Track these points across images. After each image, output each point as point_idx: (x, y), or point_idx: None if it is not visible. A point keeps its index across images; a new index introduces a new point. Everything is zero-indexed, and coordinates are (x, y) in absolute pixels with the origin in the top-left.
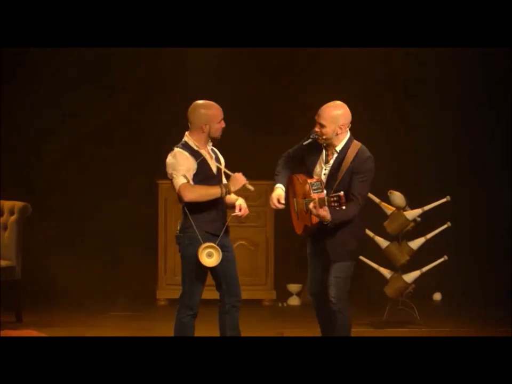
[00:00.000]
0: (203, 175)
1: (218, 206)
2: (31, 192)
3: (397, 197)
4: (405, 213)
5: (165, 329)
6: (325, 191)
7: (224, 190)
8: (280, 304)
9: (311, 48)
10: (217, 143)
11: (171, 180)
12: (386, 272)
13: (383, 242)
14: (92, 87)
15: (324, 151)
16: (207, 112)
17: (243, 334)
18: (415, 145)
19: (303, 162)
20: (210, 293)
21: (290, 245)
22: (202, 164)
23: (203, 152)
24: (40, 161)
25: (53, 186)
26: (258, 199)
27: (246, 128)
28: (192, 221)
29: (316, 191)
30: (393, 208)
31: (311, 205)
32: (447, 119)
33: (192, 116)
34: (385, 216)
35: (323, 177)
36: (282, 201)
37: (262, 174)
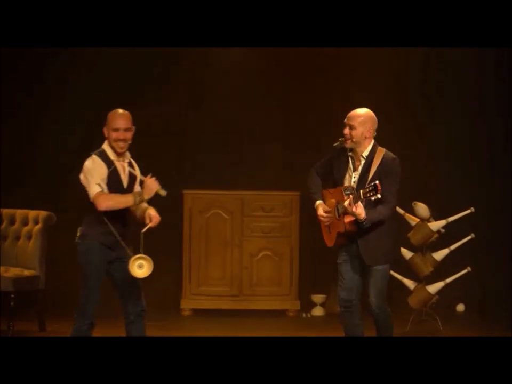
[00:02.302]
0: (113, 187)
1: (118, 219)
2: (55, 202)
3: (421, 208)
4: (429, 224)
5: (188, 334)
6: (357, 192)
7: (137, 198)
8: (304, 315)
9: (324, 62)
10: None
11: (85, 186)
12: (410, 283)
13: (407, 254)
14: (117, 102)
15: (350, 160)
16: (107, 116)
17: None
18: (439, 157)
19: (330, 174)
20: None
21: (315, 256)
22: (113, 175)
23: (117, 164)
24: (65, 172)
25: (77, 195)
26: (283, 209)
27: (273, 142)
28: (90, 231)
29: (348, 194)
30: (418, 220)
31: (346, 203)
32: (472, 128)
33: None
34: (409, 227)
35: (353, 185)
36: (327, 209)
37: (287, 185)
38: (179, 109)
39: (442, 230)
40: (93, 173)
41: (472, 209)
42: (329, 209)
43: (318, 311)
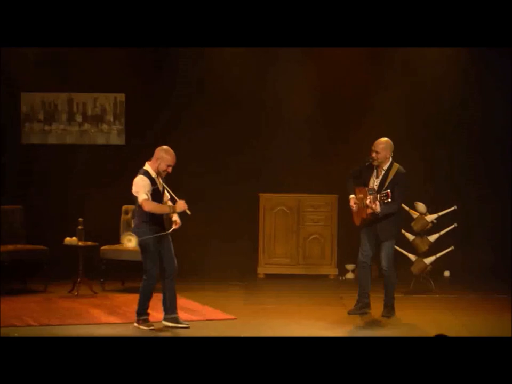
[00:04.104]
0: (153, 197)
1: (159, 217)
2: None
3: (420, 206)
4: (425, 217)
5: (263, 292)
6: (377, 194)
7: (171, 210)
8: (340, 278)
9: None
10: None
11: (136, 195)
12: (412, 257)
13: (410, 237)
14: (202, 104)
15: (375, 170)
16: (164, 154)
17: (317, 299)
18: (436, 169)
19: (360, 178)
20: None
21: (347, 238)
22: (155, 189)
23: (157, 181)
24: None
25: (191, 192)
26: (327, 206)
27: (321, 157)
28: (144, 224)
29: (371, 194)
30: (418, 214)
31: (367, 201)
32: (463, 144)
33: (156, 152)
34: (412, 219)
35: (375, 186)
36: (356, 201)
37: (329, 190)
38: (255, 126)
39: (435, 221)
40: (142, 187)
41: (455, 207)
42: (358, 201)
43: (349, 275)
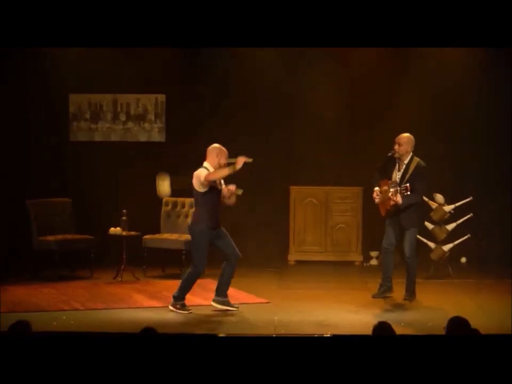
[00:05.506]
0: (211, 189)
1: (215, 209)
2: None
3: (439, 197)
4: (443, 207)
5: (294, 277)
6: (398, 187)
7: (232, 169)
8: (365, 264)
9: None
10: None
11: (201, 183)
12: (431, 244)
13: (429, 226)
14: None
15: (397, 164)
16: (220, 150)
17: (344, 283)
18: (454, 163)
19: (385, 171)
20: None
21: (371, 227)
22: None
23: None
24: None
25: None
26: (353, 198)
27: (347, 152)
28: (200, 220)
29: (393, 187)
30: (436, 204)
31: (390, 194)
32: (479, 141)
33: (212, 151)
34: (431, 209)
35: (397, 179)
36: (379, 193)
37: (355, 182)
38: (289, 131)
39: (452, 211)
40: (202, 174)
41: (471, 197)
42: (382, 193)
43: (373, 262)
